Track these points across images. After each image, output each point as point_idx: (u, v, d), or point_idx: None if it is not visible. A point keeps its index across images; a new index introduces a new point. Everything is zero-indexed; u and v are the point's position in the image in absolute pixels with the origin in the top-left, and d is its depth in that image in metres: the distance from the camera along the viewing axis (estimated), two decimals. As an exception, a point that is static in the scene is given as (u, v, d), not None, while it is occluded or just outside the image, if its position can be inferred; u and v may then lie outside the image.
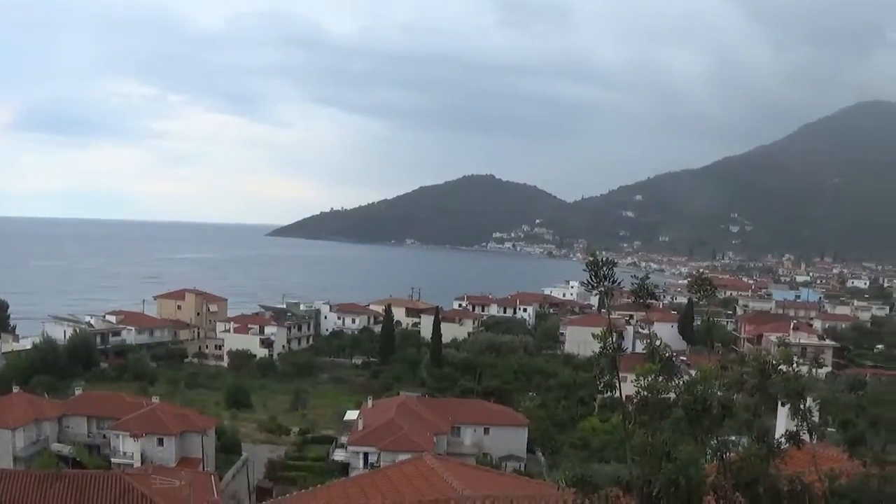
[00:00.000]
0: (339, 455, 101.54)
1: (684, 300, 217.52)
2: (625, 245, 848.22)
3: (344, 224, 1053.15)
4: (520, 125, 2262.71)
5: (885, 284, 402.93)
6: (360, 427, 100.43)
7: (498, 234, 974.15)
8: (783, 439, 16.00)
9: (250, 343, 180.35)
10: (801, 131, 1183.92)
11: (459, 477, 35.03)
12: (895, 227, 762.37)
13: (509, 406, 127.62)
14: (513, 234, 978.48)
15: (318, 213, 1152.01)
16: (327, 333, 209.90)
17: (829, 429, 22.58)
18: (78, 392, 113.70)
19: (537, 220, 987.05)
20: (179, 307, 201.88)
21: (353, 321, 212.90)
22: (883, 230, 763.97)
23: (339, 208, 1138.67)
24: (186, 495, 59.66)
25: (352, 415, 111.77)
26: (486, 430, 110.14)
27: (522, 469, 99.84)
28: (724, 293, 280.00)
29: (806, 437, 16.04)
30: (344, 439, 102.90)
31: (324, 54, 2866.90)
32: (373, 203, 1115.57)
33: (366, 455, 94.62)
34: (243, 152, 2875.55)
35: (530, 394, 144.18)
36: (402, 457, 60.38)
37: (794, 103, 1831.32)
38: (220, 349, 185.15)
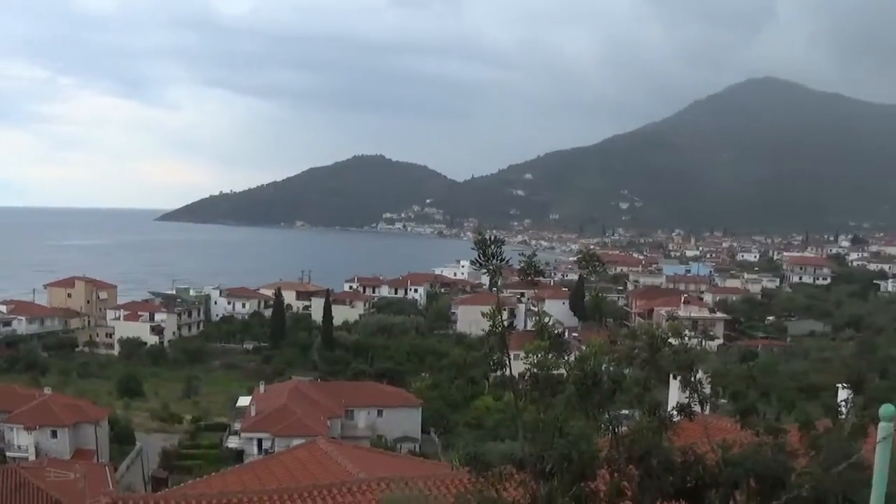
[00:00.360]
0: (232, 442, 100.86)
1: (575, 277, 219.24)
2: (515, 223, 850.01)
3: (233, 207, 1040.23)
4: (411, 105, 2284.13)
5: (775, 257, 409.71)
6: (253, 413, 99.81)
7: (388, 215, 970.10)
8: (675, 412, 16.04)
9: (141, 330, 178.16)
10: (691, 108, 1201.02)
11: (354, 460, 34.90)
12: (784, 202, 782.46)
13: (402, 387, 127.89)
14: (403, 215, 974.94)
15: (208, 196, 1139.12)
16: (217, 319, 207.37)
17: (721, 400, 22.79)
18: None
19: (428, 200, 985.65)
20: (69, 295, 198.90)
21: (244, 306, 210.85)
22: (771, 204, 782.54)
23: (229, 191, 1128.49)
24: (81, 488, 58.58)
25: (244, 401, 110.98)
26: (380, 413, 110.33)
27: (417, 450, 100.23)
28: (615, 269, 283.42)
29: (697, 408, 16.08)
30: (237, 426, 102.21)
31: (215, 36, 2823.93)
32: (262, 185, 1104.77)
33: (260, 441, 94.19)
34: (134, 136, 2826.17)
35: (423, 374, 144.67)
36: (296, 442, 59.87)
37: (687, 82, 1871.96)
38: (110, 337, 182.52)
